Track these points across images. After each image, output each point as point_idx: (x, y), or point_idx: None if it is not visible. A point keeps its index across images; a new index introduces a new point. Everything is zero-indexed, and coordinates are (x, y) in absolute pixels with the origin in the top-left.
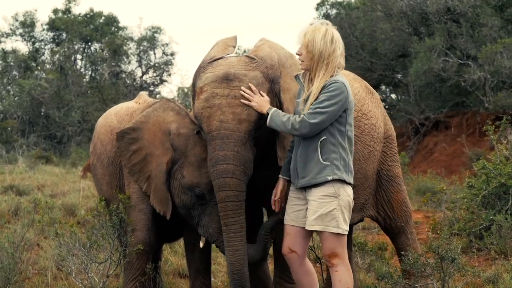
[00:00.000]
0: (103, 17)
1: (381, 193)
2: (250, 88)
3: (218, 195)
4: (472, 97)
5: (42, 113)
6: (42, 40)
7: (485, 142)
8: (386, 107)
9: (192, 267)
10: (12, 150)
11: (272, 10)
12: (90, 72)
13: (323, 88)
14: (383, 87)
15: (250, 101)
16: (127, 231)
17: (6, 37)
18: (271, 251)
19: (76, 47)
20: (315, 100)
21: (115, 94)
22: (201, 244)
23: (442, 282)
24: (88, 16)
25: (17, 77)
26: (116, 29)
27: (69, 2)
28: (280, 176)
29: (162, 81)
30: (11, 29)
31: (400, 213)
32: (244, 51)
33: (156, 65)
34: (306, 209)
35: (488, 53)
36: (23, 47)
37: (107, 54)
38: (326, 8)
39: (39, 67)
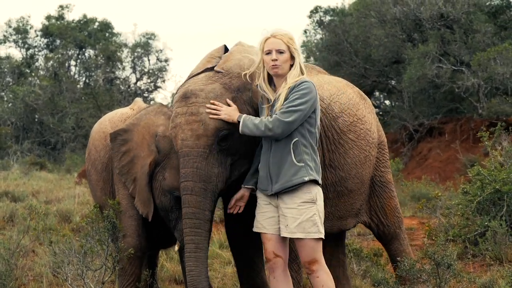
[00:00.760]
0: (97, 23)
1: (375, 199)
2: (212, 103)
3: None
4: (466, 103)
5: (36, 120)
6: (35, 46)
7: (479, 148)
8: (380, 113)
9: (185, 274)
10: (6, 157)
11: (265, 16)
12: (84, 79)
13: (292, 88)
14: (377, 94)
15: (219, 115)
16: (118, 237)
17: (0, 44)
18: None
19: (70, 53)
20: (285, 100)
21: (110, 100)
22: (176, 248)
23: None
24: (81, 22)
25: (10, 83)
26: (110, 35)
27: (62, 9)
28: (242, 186)
29: (156, 88)
30: (4, 35)
31: (393, 219)
32: None
33: (150, 71)
34: (279, 216)
35: (482, 59)
36: (17, 54)
37: (101, 60)
38: (320, 15)
39: (33, 74)
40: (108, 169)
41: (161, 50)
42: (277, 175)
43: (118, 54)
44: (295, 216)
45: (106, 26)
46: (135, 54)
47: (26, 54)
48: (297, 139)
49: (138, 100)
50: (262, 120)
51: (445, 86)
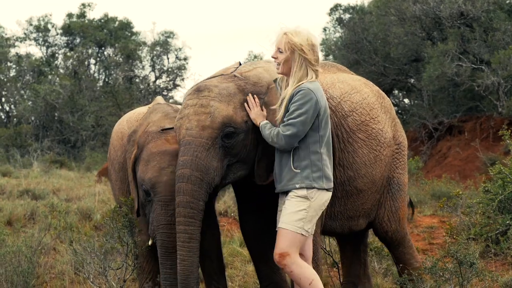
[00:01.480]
0: (117, 22)
1: (389, 201)
2: (252, 98)
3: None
4: (486, 101)
5: (56, 118)
6: (56, 44)
7: (499, 147)
8: (400, 112)
9: (205, 272)
10: (27, 155)
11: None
12: (103, 77)
13: (292, 97)
14: (396, 92)
15: (250, 109)
16: (134, 232)
17: (20, 42)
18: None
19: (89, 51)
20: (286, 111)
21: (129, 98)
22: (149, 243)
23: (460, 286)
24: (102, 20)
25: (30, 81)
26: (129, 34)
27: (84, 7)
28: None
29: (175, 86)
30: (25, 33)
31: (404, 224)
32: (255, 57)
33: (170, 69)
34: None
35: (502, 58)
36: (37, 52)
37: (120, 59)
38: (339, 12)
39: (53, 72)
40: (124, 168)
41: (180, 49)
42: (280, 176)
43: (138, 52)
44: (285, 207)
45: (126, 25)
46: (154, 52)
47: (47, 52)
48: (297, 145)
49: (159, 99)
50: (272, 131)
51: (465, 84)
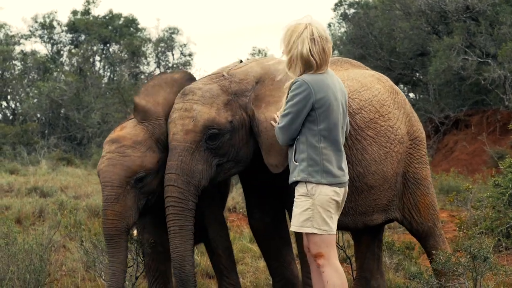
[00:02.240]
0: (122, 19)
1: (408, 196)
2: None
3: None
4: (492, 95)
5: (61, 115)
6: (61, 41)
7: (506, 141)
8: None
9: (215, 268)
10: (33, 152)
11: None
12: (108, 74)
13: (290, 88)
14: (402, 86)
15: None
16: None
17: (25, 39)
18: (296, 251)
19: (94, 48)
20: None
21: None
22: (134, 233)
23: (474, 281)
24: (107, 17)
25: (36, 79)
26: (134, 31)
27: (88, 4)
28: None
29: None
30: (30, 30)
31: (427, 217)
32: (259, 52)
33: (175, 66)
34: None
35: (508, 51)
36: (42, 49)
37: (125, 56)
38: (344, 8)
39: (58, 69)
40: None
41: (185, 45)
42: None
43: (143, 49)
44: (294, 209)
45: (131, 22)
46: (159, 49)
47: (52, 49)
48: (298, 137)
49: None
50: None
51: (471, 78)
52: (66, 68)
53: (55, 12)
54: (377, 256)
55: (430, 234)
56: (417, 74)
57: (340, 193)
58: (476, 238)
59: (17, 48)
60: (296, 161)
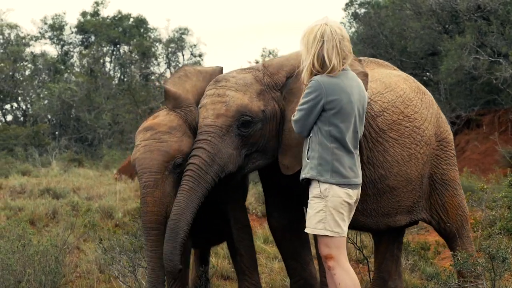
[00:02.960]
0: (131, 19)
1: (435, 197)
2: None
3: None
4: (504, 94)
5: (72, 116)
6: (70, 43)
7: None
8: None
9: (237, 268)
10: (45, 153)
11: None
12: (119, 75)
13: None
14: None
15: None
16: None
17: (35, 41)
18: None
19: (104, 49)
20: None
21: (146, 96)
22: None
23: (492, 282)
24: (116, 18)
25: (46, 80)
26: (144, 31)
27: (97, 5)
28: None
29: None
30: (40, 32)
31: (455, 218)
32: (270, 52)
33: None
34: None
35: None
36: (52, 50)
37: (136, 56)
38: (355, 7)
39: (68, 70)
40: None
41: (195, 45)
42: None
43: (153, 49)
44: (308, 210)
45: (141, 22)
46: (169, 49)
47: (62, 50)
48: (311, 135)
49: None
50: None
51: (483, 77)
52: (77, 69)
53: (64, 14)
54: (396, 258)
55: (457, 235)
56: (428, 73)
57: (352, 196)
58: (494, 238)
59: (27, 50)
60: (308, 159)
